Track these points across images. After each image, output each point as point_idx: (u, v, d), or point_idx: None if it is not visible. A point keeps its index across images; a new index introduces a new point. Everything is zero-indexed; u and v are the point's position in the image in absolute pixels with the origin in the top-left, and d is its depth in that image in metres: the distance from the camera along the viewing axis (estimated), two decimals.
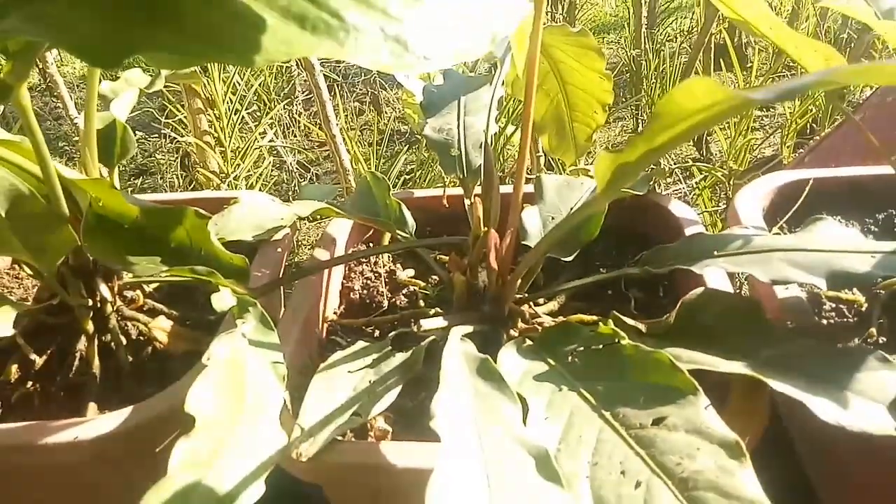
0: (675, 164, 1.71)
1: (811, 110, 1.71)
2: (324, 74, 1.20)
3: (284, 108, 2.05)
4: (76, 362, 0.65)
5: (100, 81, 0.73)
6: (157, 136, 2.04)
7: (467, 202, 0.71)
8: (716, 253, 0.58)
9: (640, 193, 0.74)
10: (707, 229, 1.33)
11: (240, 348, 0.52)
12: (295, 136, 2.04)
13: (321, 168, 1.91)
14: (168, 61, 0.36)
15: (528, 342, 0.57)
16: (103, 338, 0.66)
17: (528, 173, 1.35)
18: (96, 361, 0.64)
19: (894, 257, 0.52)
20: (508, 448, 0.43)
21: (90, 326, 0.65)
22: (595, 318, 0.63)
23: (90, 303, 0.65)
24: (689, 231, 0.71)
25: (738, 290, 0.85)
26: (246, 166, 1.68)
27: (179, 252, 0.62)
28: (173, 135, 1.85)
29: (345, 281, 0.77)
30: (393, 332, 0.60)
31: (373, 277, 0.76)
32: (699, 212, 1.41)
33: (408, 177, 1.72)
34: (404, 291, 0.74)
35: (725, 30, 1.89)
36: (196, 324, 0.71)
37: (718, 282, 0.62)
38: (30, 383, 0.64)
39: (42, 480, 0.59)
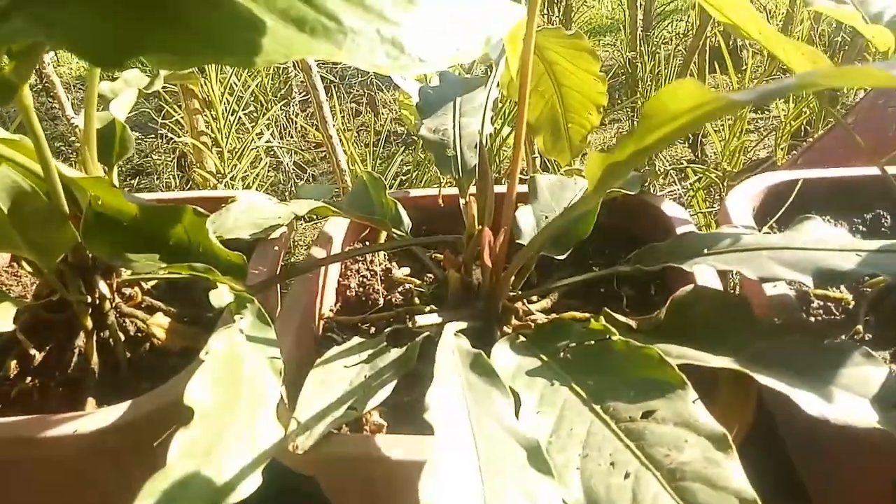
0: (670, 165, 1.73)
1: (805, 112, 1.72)
2: (320, 76, 1.21)
3: (281, 109, 2.06)
4: (75, 358, 0.65)
5: (99, 82, 0.74)
6: (153, 136, 2.04)
7: (462, 201, 0.72)
8: (706, 251, 0.59)
9: (633, 193, 0.75)
10: (701, 230, 1.35)
11: (237, 343, 0.53)
12: (291, 137, 2.05)
13: (318, 169, 1.92)
14: (170, 62, 0.37)
15: (522, 338, 0.58)
16: (102, 334, 0.67)
17: (523, 174, 1.37)
18: (95, 357, 0.65)
19: (879, 255, 0.53)
20: (501, 440, 0.44)
21: (89, 323, 0.66)
22: (587, 315, 0.64)
23: (89, 299, 0.66)
24: (680, 230, 0.72)
25: (731, 289, 0.86)
26: (242, 167, 1.69)
27: (178, 249, 0.63)
28: (170, 135, 1.85)
29: (341, 279, 0.78)
30: (388, 328, 0.61)
31: (369, 275, 0.77)
32: (693, 213, 1.43)
33: (404, 178, 1.73)
34: (400, 289, 0.75)
35: (720, 33, 1.90)
36: (193, 321, 0.71)
37: (708, 279, 0.63)
38: (29, 378, 0.64)
39: (41, 474, 0.60)
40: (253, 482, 0.43)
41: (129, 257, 0.60)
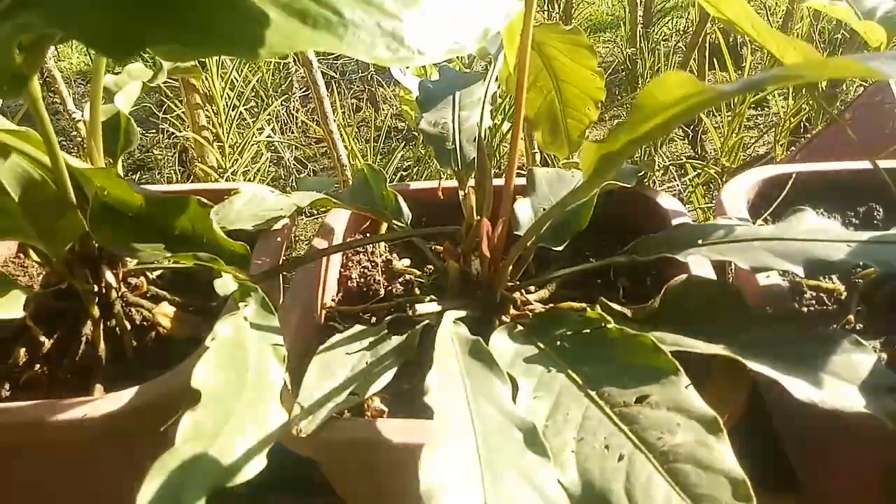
0: (669, 161, 1.74)
1: (804, 109, 1.73)
2: (321, 71, 1.22)
3: (282, 105, 2.06)
4: (82, 346, 0.67)
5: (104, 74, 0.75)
6: (154, 131, 2.05)
7: (461, 193, 0.73)
8: (700, 242, 0.60)
9: (629, 186, 0.76)
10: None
11: (242, 330, 0.54)
12: (292, 133, 2.06)
13: (318, 164, 1.93)
14: (177, 54, 0.38)
15: (520, 327, 0.59)
16: (108, 323, 0.68)
17: (523, 168, 1.38)
18: (102, 345, 0.66)
19: (869, 246, 0.55)
20: (498, 423, 0.46)
21: (96, 311, 0.67)
22: (584, 304, 0.65)
23: (95, 288, 0.67)
24: (675, 222, 0.73)
25: (728, 279, 0.87)
26: (244, 161, 1.70)
27: (182, 240, 0.64)
28: (171, 130, 1.86)
29: (343, 269, 0.79)
30: (389, 317, 0.62)
31: (370, 266, 0.79)
32: (692, 208, 1.44)
33: (404, 173, 1.74)
34: (400, 280, 0.76)
35: (720, 30, 1.91)
36: (198, 310, 0.73)
37: (702, 269, 0.65)
38: (38, 366, 0.66)
39: (51, 457, 0.61)
40: (258, 464, 0.44)
41: (134, 247, 0.61)
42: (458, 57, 0.88)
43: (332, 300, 0.75)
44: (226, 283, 0.59)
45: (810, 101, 1.72)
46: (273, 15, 0.40)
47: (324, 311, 0.73)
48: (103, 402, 0.56)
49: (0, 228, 0.62)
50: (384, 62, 0.42)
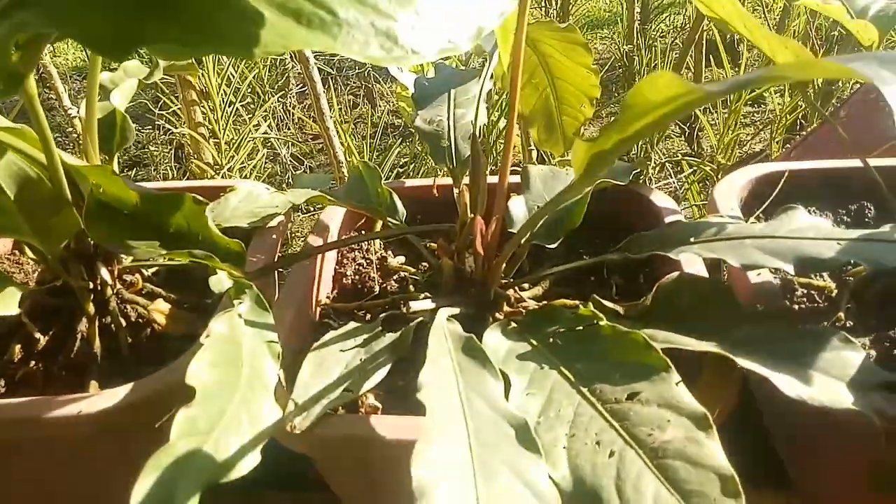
0: (665, 158, 1.74)
1: (800, 106, 1.73)
2: (318, 67, 1.22)
3: (278, 101, 2.06)
4: (78, 343, 0.67)
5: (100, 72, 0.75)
6: (150, 127, 2.05)
7: (456, 191, 0.73)
8: (692, 240, 0.61)
9: (622, 184, 0.76)
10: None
11: (237, 327, 0.54)
12: (289, 129, 2.06)
13: (315, 160, 1.93)
14: (172, 53, 0.39)
15: (513, 324, 0.60)
16: (104, 319, 0.69)
17: (519, 165, 1.38)
18: (97, 342, 0.67)
19: (858, 244, 0.55)
20: (491, 419, 0.46)
21: (91, 308, 0.67)
22: (577, 302, 0.66)
23: (91, 285, 0.67)
24: (668, 220, 0.74)
25: (721, 276, 0.87)
26: (240, 158, 1.70)
27: (178, 237, 0.64)
28: (167, 126, 1.86)
29: (337, 267, 0.79)
30: (383, 314, 0.63)
31: (364, 263, 0.79)
32: (688, 205, 1.44)
33: (401, 170, 1.74)
34: (395, 277, 0.77)
35: (716, 26, 1.91)
36: (193, 307, 0.73)
37: (695, 267, 0.65)
38: (33, 362, 0.66)
39: (46, 454, 0.62)
40: (252, 460, 0.45)
41: (129, 244, 0.61)
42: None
43: (327, 297, 0.75)
44: (221, 281, 0.60)
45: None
46: (268, 14, 0.40)
47: (319, 308, 0.73)
48: (98, 399, 0.57)
49: None
50: (378, 62, 0.42)
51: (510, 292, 0.67)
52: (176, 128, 1.78)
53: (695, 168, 1.56)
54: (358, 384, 0.54)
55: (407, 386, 0.60)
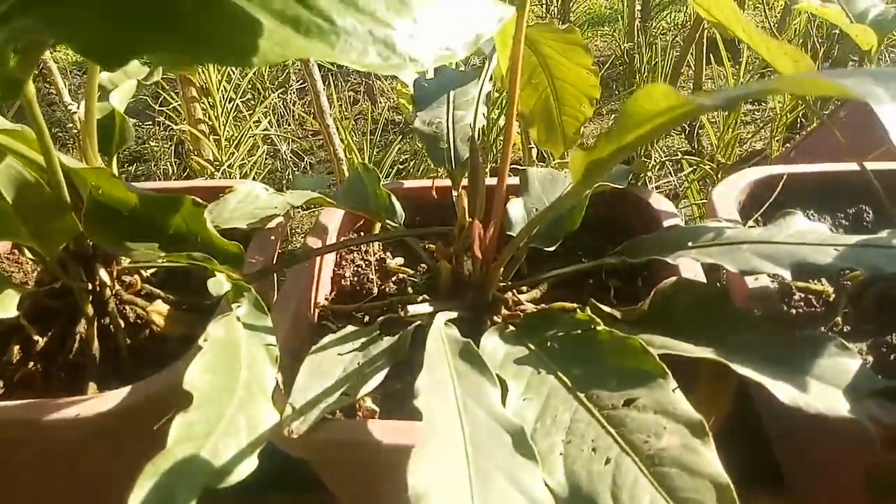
0: (665, 156, 1.74)
1: (801, 104, 1.73)
2: (318, 64, 1.22)
3: (279, 97, 2.06)
4: (76, 344, 0.67)
5: (99, 72, 0.75)
6: (150, 123, 2.05)
7: (454, 193, 0.73)
8: (690, 244, 0.61)
9: (621, 187, 0.76)
10: (695, 221, 1.36)
11: (235, 330, 0.54)
12: (289, 125, 2.06)
13: (315, 157, 1.93)
14: (169, 61, 0.39)
15: (511, 328, 0.60)
16: (102, 320, 0.69)
17: (520, 164, 1.38)
18: (96, 343, 0.67)
19: (855, 250, 0.55)
20: (487, 426, 0.46)
21: (90, 309, 0.67)
22: (575, 305, 0.66)
23: (90, 287, 0.68)
24: (667, 223, 0.74)
25: (718, 280, 0.87)
26: (240, 155, 1.70)
27: (177, 238, 0.65)
28: (167, 123, 1.86)
29: (336, 268, 0.79)
30: (381, 317, 0.63)
31: (363, 265, 0.79)
32: (688, 204, 1.44)
33: (401, 166, 1.74)
34: (393, 279, 0.77)
35: (716, 29, 1.90)
36: (192, 308, 0.73)
37: (692, 271, 0.65)
38: (32, 363, 0.66)
39: (44, 456, 0.62)
40: (249, 465, 0.45)
41: (128, 246, 0.61)
42: None
43: (326, 299, 0.75)
44: (219, 283, 0.60)
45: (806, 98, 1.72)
46: (266, 22, 0.40)
47: (317, 310, 0.73)
48: (96, 402, 0.57)
49: None
50: (376, 69, 0.43)
51: (508, 295, 0.67)
52: (176, 124, 1.78)
53: (695, 167, 1.56)
54: (355, 388, 0.54)
55: (404, 389, 0.60)
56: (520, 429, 0.46)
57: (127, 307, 0.71)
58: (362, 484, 0.60)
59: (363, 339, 0.59)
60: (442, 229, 0.71)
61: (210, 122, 1.65)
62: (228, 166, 1.66)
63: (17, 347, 0.67)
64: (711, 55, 1.83)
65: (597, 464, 0.45)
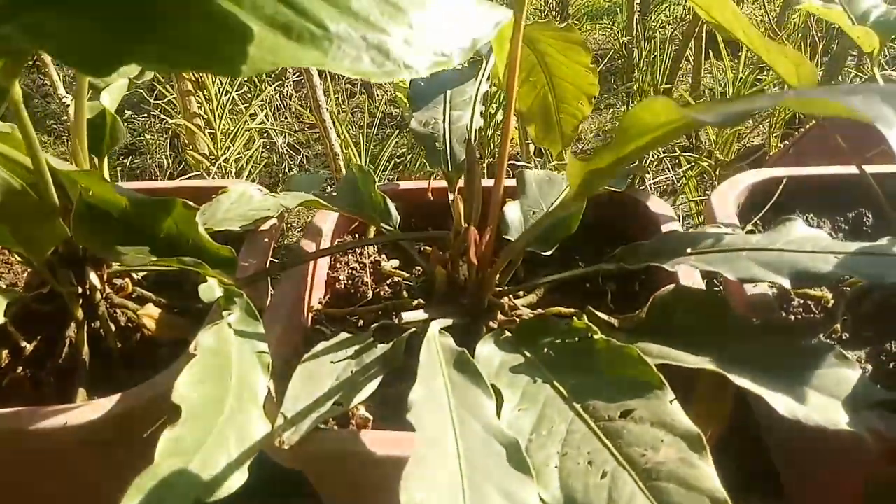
0: (663, 152, 1.73)
1: None
2: None
3: (275, 90, 2.04)
4: (66, 349, 0.66)
5: None
6: (146, 115, 2.03)
7: (451, 195, 0.72)
8: (688, 251, 0.60)
9: (619, 190, 0.75)
10: (692, 218, 1.36)
11: (226, 338, 0.54)
12: (286, 118, 2.05)
13: (312, 150, 1.91)
14: (158, 69, 0.38)
15: (507, 334, 0.59)
16: (93, 324, 0.68)
17: (517, 159, 1.37)
18: (85, 348, 0.66)
19: (855, 258, 0.54)
20: (481, 439, 0.46)
21: (80, 313, 0.67)
22: (572, 310, 0.65)
23: (80, 290, 0.67)
24: (665, 227, 0.73)
25: (717, 285, 0.86)
26: (236, 149, 1.69)
27: (168, 242, 0.64)
28: (163, 116, 1.85)
29: (330, 271, 0.78)
30: (375, 324, 0.62)
31: (358, 268, 0.78)
32: (685, 200, 1.44)
33: (398, 160, 1.73)
34: (388, 282, 0.76)
35: (716, 31, 1.89)
36: (184, 312, 0.72)
37: (691, 278, 0.64)
38: (20, 368, 0.65)
39: (33, 464, 0.61)
40: (239, 478, 0.44)
41: (119, 250, 0.60)
42: None
43: (320, 302, 0.74)
44: (211, 289, 0.59)
45: None
46: (256, 29, 0.39)
47: (311, 314, 0.72)
48: (84, 410, 0.56)
49: None
50: (369, 76, 0.42)
51: (504, 300, 0.66)
52: (171, 118, 1.76)
53: (692, 163, 1.55)
54: (348, 397, 0.54)
55: (399, 396, 0.59)
56: (514, 442, 0.45)
57: (118, 311, 0.70)
58: (355, 494, 0.59)
59: (357, 347, 0.59)
60: (437, 233, 0.70)
61: (205, 116, 1.64)
62: (224, 160, 1.64)
63: (5, 352, 0.66)
64: (710, 50, 1.82)
65: (593, 477, 0.44)
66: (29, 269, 0.74)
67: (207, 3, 0.39)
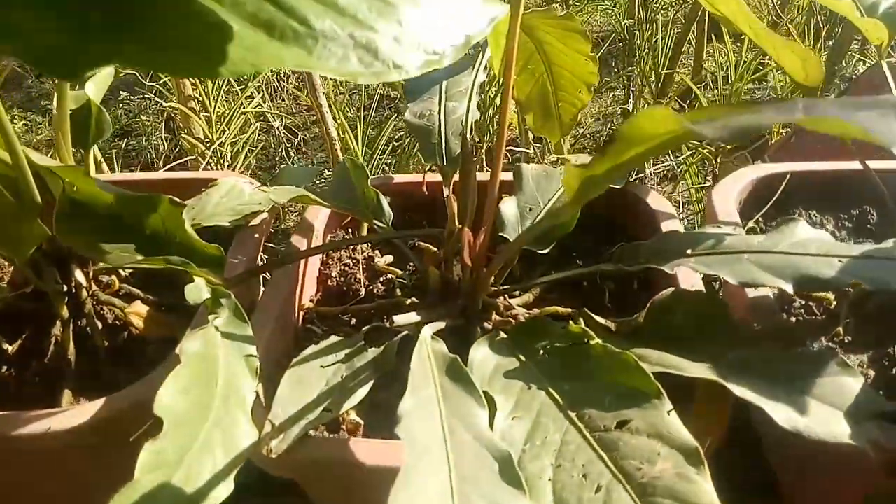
0: None
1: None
2: None
3: (272, 72, 2.02)
4: (51, 347, 0.65)
5: None
6: (141, 97, 2.01)
7: (446, 191, 0.70)
8: (688, 252, 0.58)
9: (618, 186, 0.74)
10: (693, 205, 1.34)
11: (212, 342, 0.52)
12: (283, 101, 2.02)
13: (309, 132, 1.89)
14: (131, 68, 0.36)
15: (502, 335, 0.58)
16: (79, 322, 0.67)
17: (516, 145, 1.35)
18: (71, 347, 0.65)
19: (860, 262, 0.53)
20: (473, 451, 0.44)
21: (65, 312, 0.65)
22: (569, 310, 0.64)
23: (65, 288, 0.65)
24: (664, 224, 0.71)
25: (717, 286, 0.85)
26: (231, 132, 1.66)
27: (154, 239, 0.62)
28: (158, 99, 1.82)
29: (322, 267, 0.77)
30: (366, 327, 0.60)
31: (351, 264, 0.77)
32: (686, 187, 1.42)
33: (397, 143, 1.70)
34: (382, 279, 0.74)
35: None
36: (172, 309, 0.71)
37: (691, 279, 0.63)
38: (4, 368, 0.64)
39: (19, 467, 0.60)
40: (225, 489, 0.43)
41: (103, 248, 0.59)
42: None
43: (311, 300, 0.73)
44: (198, 289, 0.57)
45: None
46: (236, 26, 0.37)
47: (302, 313, 0.71)
48: (68, 415, 0.54)
49: None
50: (357, 78, 0.40)
51: (499, 300, 0.64)
52: (166, 100, 1.74)
53: (693, 149, 1.53)
54: (338, 403, 0.52)
55: (390, 400, 0.58)
56: (507, 455, 0.44)
57: (105, 308, 0.68)
58: (346, 499, 0.58)
59: (347, 351, 0.57)
60: (431, 231, 0.68)
61: (201, 99, 1.61)
62: (220, 144, 1.62)
63: None
64: (713, 34, 1.79)
65: (587, 491, 0.43)
66: (14, 266, 0.72)
67: (187, 1, 0.37)
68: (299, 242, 0.74)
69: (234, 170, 1.57)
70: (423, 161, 1.56)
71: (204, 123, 1.61)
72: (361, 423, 0.56)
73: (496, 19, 0.47)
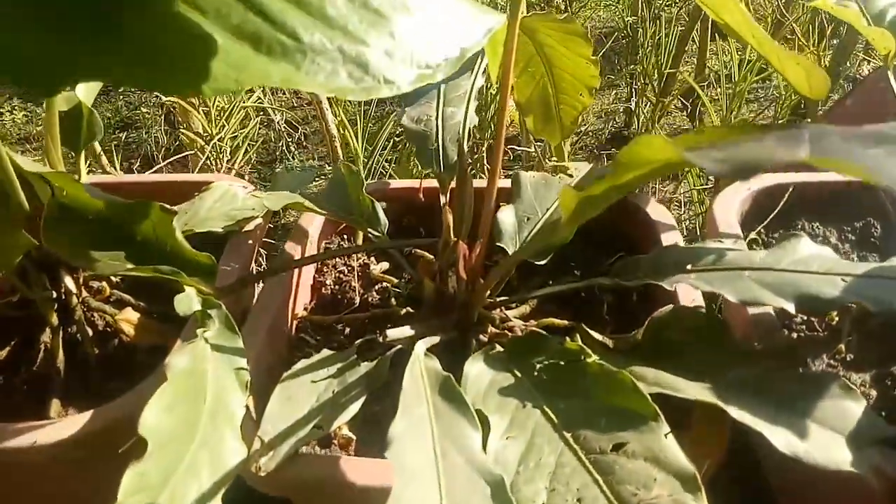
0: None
1: None
2: None
3: None
4: (40, 355, 0.64)
5: None
6: (141, 89, 1.99)
7: (442, 199, 0.69)
8: (688, 268, 0.57)
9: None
10: (694, 206, 1.33)
11: (202, 355, 0.51)
12: (283, 94, 2.01)
13: (310, 127, 1.88)
14: (114, 84, 0.35)
15: (498, 349, 0.57)
16: (69, 329, 0.66)
17: (517, 144, 1.33)
18: (61, 354, 0.64)
19: (864, 281, 0.52)
20: (465, 474, 0.43)
21: (55, 319, 0.64)
22: (566, 322, 0.63)
23: (54, 295, 0.64)
24: (664, 235, 0.70)
25: (717, 301, 0.83)
26: (231, 127, 1.65)
27: (145, 247, 0.61)
28: (157, 92, 1.81)
29: (317, 275, 0.76)
30: (359, 341, 0.59)
31: (346, 271, 0.75)
32: (688, 188, 1.40)
33: (398, 139, 1.69)
34: (377, 287, 0.73)
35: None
36: (163, 316, 0.70)
37: (691, 294, 0.62)
38: None
39: (4, 477, 0.59)
40: None
41: (93, 256, 0.57)
42: None
43: (305, 308, 0.72)
44: (188, 300, 0.56)
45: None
46: (220, 40, 0.36)
47: (295, 322, 0.70)
48: (54, 428, 0.53)
49: None
50: (346, 94, 0.39)
51: (495, 312, 0.63)
52: (164, 96, 1.72)
53: None
54: (329, 420, 0.51)
55: (382, 412, 0.57)
56: (500, 479, 0.43)
57: (95, 315, 0.67)
58: None
59: (339, 365, 0.56)
60: (427, 241, 0.67)
61: None
62: (219, 139, 1.61)
63: None
64: (716, 32, 1.77)
65: None
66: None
67: (169, 12, 0.35)
68: (293, 249, 0.72)
69: (233, 164, 1.56)
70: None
71: (202, 118, 1.60)
72: (353, 437, 0.56)
73: (493, 30, 0.45)
